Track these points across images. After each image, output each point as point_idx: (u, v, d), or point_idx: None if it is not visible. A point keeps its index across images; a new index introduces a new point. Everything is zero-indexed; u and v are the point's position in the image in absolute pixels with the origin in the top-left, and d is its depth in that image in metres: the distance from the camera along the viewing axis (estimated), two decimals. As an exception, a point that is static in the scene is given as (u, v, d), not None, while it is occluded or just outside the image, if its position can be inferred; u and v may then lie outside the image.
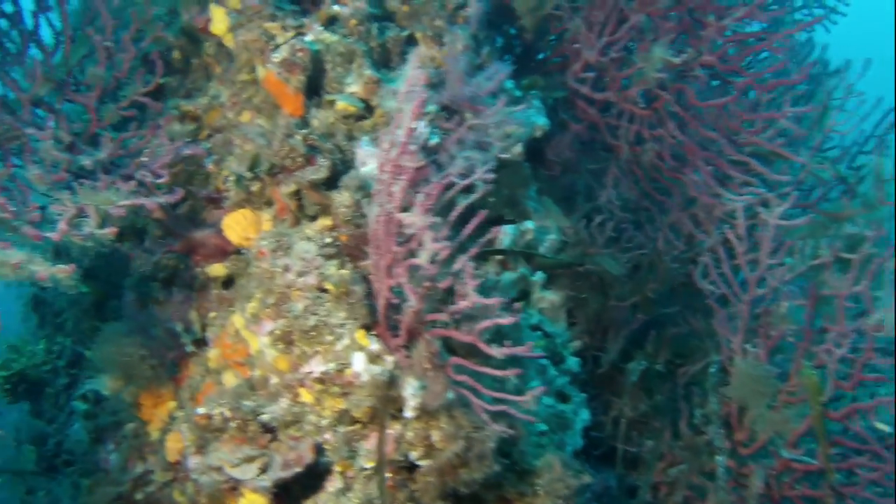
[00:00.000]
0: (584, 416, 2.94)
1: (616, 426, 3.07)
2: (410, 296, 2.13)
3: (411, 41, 3.11)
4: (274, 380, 2.52)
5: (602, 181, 3.26)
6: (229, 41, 3.03)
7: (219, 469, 2.36)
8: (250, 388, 2.56)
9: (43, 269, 2.23)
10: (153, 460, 2.86)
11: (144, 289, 3.11)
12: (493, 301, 2.01)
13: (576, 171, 3.27)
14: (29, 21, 2.77)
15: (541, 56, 3.47)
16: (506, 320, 2.09)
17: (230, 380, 2.68)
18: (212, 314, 2.87)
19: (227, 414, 2.41)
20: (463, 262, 2.05)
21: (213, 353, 2.76)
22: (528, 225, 3.05)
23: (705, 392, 2.97)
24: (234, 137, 2.91)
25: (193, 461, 2.54)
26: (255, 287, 2.59)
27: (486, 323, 2.11)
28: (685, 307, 3.24)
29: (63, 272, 2.25)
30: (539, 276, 3.05)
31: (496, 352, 2.12)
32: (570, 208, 3.18)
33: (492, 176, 2.34)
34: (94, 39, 2.80)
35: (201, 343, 2.86)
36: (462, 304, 2.07)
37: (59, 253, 2.96)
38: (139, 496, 2.79)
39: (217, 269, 2.89)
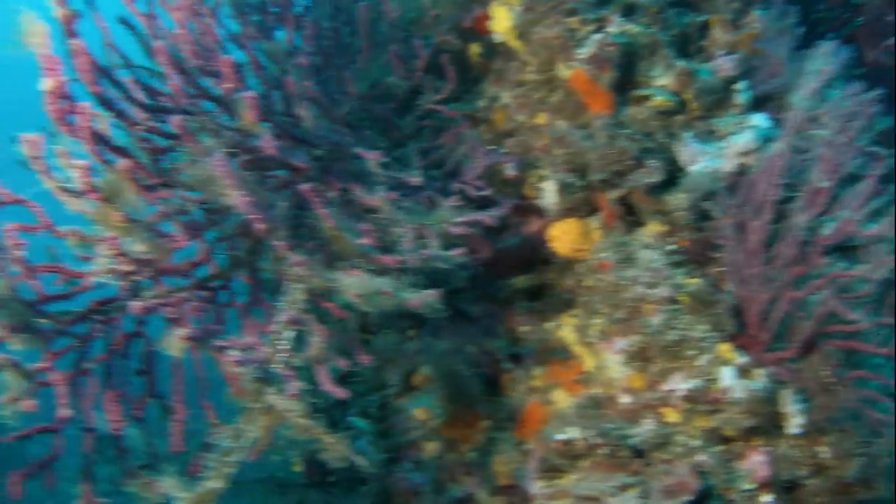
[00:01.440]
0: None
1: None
2: (838, 308, 1.95)
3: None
4: (625, 399, 2.39)
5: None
6: (512, 39, 2.87)
7: (596, 500, 2.24)
8: (595, 407, 2.44)
9: (413, 296, 2.14)
10: (469, 482, 2.76)
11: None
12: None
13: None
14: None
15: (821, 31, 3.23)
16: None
17: (562, 399, 2.55)
18: (522, 328, 2.75)
19: (595, 440, 2.29)
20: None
21: (537, 371, 2.64)
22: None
23: None
24: (532, 140, 2.76)
25: (538, 486, 2.44)
26: (599, 301, 2.45)
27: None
28: None
29: (433, 297, 2.14)
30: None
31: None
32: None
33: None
34: (390, 48, 2.69)
35: (514, 359, 2.74)
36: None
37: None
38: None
39: (523, 281, 2.77)
